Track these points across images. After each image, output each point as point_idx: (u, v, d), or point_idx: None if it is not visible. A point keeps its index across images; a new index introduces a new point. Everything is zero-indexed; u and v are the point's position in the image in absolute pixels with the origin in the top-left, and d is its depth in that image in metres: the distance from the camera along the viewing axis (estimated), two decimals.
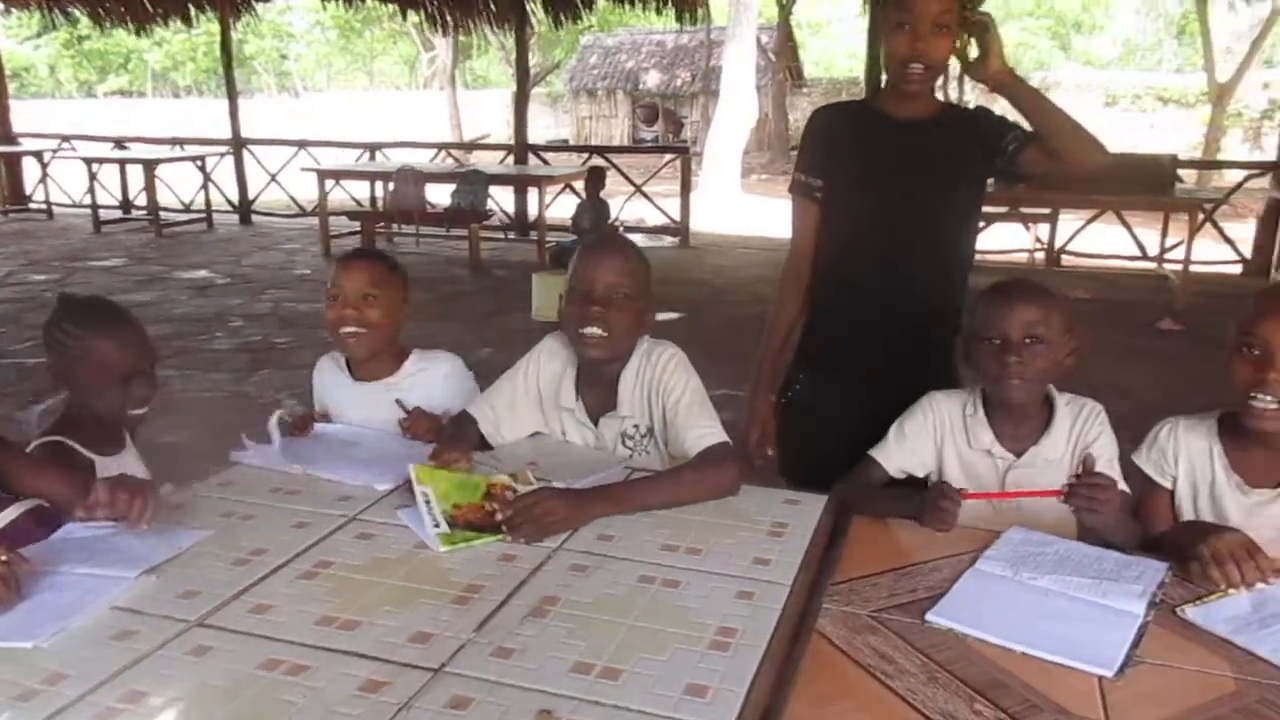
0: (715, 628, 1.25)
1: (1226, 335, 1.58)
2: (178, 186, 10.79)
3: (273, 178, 10.80)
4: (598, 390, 1.90)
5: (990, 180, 2.08)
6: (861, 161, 2.01)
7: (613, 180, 9.96)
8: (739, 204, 12.80)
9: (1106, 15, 26.79)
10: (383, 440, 1.95)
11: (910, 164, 1.96)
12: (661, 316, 6.58)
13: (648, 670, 1.15)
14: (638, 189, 10.01)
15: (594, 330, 1.77)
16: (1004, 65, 1.88)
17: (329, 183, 9.21)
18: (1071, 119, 1.89)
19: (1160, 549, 1.54)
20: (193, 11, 10.79)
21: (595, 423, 1.90)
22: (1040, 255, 8.69)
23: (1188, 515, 1.66)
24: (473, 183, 8.30)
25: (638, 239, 9.61)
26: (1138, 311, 6.80)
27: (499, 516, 1.52)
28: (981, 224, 8.06)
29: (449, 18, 10.27)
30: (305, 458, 1.82)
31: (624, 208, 9.73)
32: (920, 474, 1.81)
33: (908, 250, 1.99)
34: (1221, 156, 14.73)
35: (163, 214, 10.15)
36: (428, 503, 1.54)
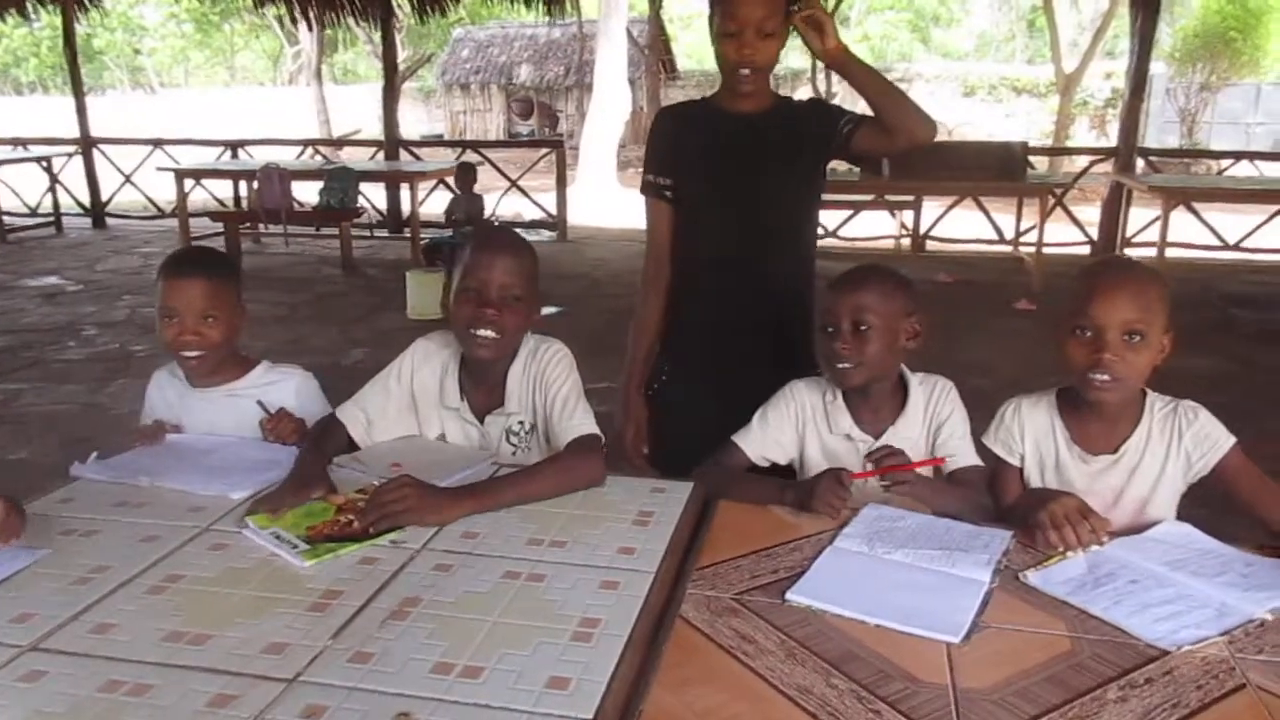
0: (579, 619, 1.25)
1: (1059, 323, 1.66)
2: (22, 189, 10.15)
3: (127, 178, 10.30)
4: (483, 388, 1.88)
5: (828, 164, 2.14)
6: (704, 158, 2.07)
7: (488, 175, 9.84)
8: (616, 197, 12.82)
9: (962, 9, 27.93)
10: (239, 447, 1.87)
11: (749, 157, 2.03)
12: (543, 311, 6.51)
13: (510, 666, 1.15)
14: (513, 184, 9.94)
15: (487, 333, 1.76)
16: (838, 43, 1.95)
17: (189, 182, 8.82)
18: (903, 94, 1.98)
19: (1008, 519, 1.62)
20: (30, 4, 10.13)
21: (481, 421, 1.88)
22: (906, 241, 9.01)
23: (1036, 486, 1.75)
24: (342, 180, 8.09)
25: None
26: (996, 292, 7.13)
27: (357, 525, 1.49)
28: (849, 212, 8.26)
29: (310, 11, 9.94)
30: (153, 469, 1.73)
31: (500, 202, 9.63)
32: (783, 461, 1.85)
33: (754, 241, 2.05)
34: (1070, 143, 15.56)
35: (6, 218, 9.55)
36: (277, 537, 1.47)
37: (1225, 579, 1.40)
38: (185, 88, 31.55)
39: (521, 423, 1.87)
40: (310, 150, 10.84)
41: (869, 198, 8.56)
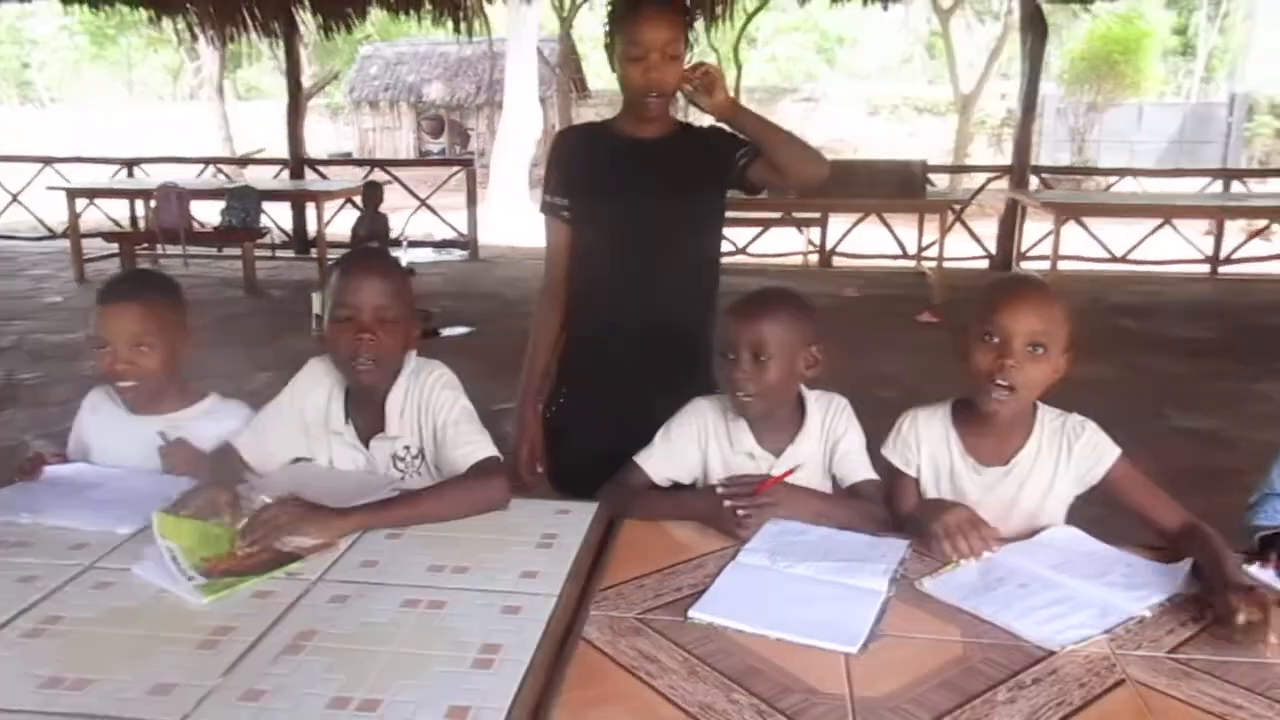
0: (479, 646, 1.24)
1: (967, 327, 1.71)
2: None
3: (14, 197, 9.87)
4: (368, 412, 1.85)
5: (727, 192, 2.17)
6: (603, 180, 2.08)
7: (398, 194, 9.73)
8: (527, 215, 12.74)
9: (866, 31, 28.66)
10: (129, 479, 1.80)
11: (649, 181, 2.05)
12: (452, 331, 6.49)
13: (408, 697, 1.13)
14: (422, 202, 9.84)
15: (367, 358, 1.73)
16: (726, 98, 1.99)
17: (81, 202, 8.50)
18: (794, 139, 2.02)
19: (905, 529, 1.66)
20: None
21: (366, 445, 1.85)
22: (814, 257, 9.20)
23: (931, 497, 1.79)
24: (244, 199, 7.89)
25: (426, 253, 9.46)
26: (901, 306, 7.32)
27: (253, 552, 1.45)
28: (758, 228, 8.39)
29: (210, 26, 9.70)
30: (34, 505, 1.66)
31: (409, 222, 9.51)
32: (685, 480, 1.86)
33: (652, 264, 2.07)
34: (969, 161, 16.09)
35: None
36: (174, 559, 1.41)
37: (1108, 579, 1.46)
38: (79, 103, 30.36)
39: (407, 447, 1.84)
40: (212, 169, 10.56)
41: (777, 214, 8.73)
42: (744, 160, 2.04)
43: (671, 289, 2.08)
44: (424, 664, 1.20)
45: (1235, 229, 9.58)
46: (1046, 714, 1.14)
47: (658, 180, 2.04)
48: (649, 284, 2.06)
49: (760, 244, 9.08)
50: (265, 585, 1.40)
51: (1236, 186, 9.70)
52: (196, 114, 21.93)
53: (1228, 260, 9.01)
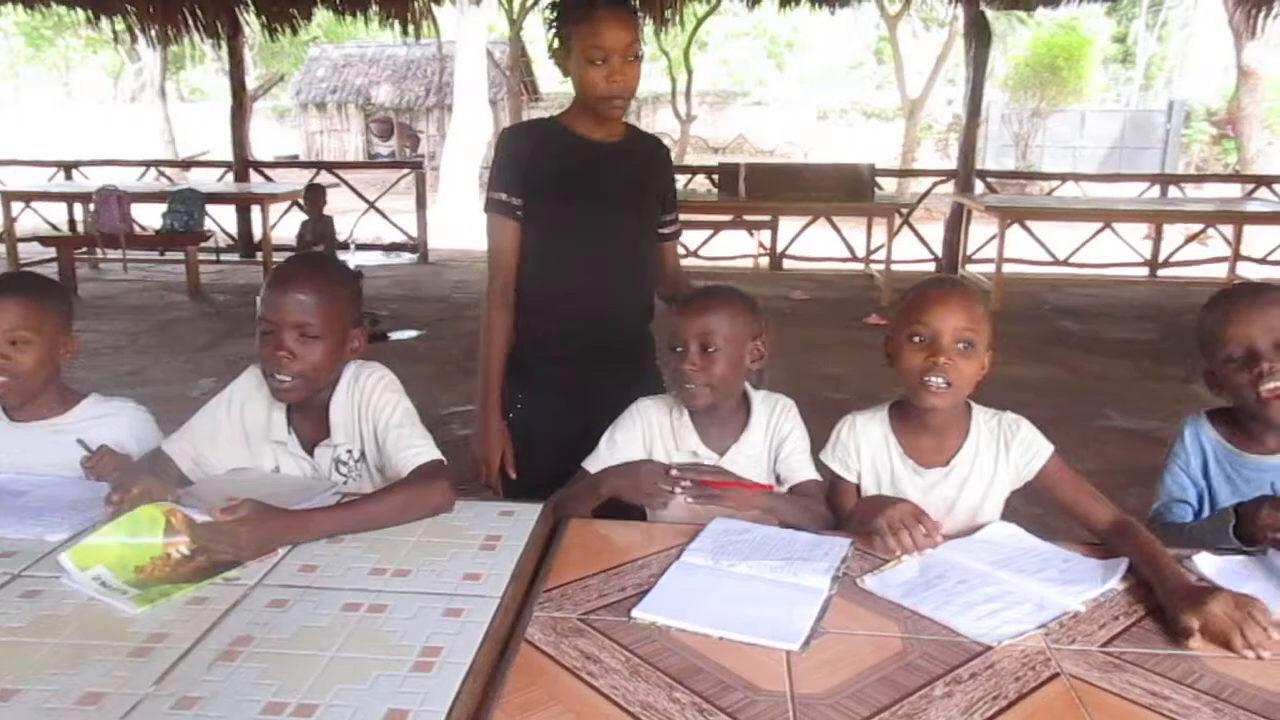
0: (420, 649, 1.23)
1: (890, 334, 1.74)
2: None
3: None
4: (309, 420, 1.81)
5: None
6: (560, 181, 2.07)
7: (346, 197, 9.62)
8: (478, 218, 12.58)
9: (815, 36, 28.97)
10: (55, 486, 1.75)
11: (607, 184, 2.06)
12: (401, 334, 6.42)
13: (346, 702, 1.11)
14: (370, 205, 9.74)
15: (284, 377, 1.69)
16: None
17: (18, 205, 8.28)
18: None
19: (847, 527, 1.68)
20: None
21: (310, 453, 1.82)
22: (765, 260, 9.26)
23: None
24: (186, 202, 7.74)
25: (375, 256, 9.36)
26: (849, 308, 7.40)
27: (184, 551, 1.41)
28: (710, 232, 8.43)
29: (151, 27, 9.50)
30: None
31: (357, 224, 9.41)
32: None
33: (606, 265, 2.08)
34: (917, 165, 16.31)
35: None
36: (103, 584, 1.37)
37: (1044, 575, 1.49)
38: (16, 105, 29.58)
39: (350, 451, 1.81)
40: (154, 172, 10.35)
41: (728, 218, 8.78)
42: (665, 229, 2.24)
43: (626, 288, 2.11)
44: (363, 668, 1.18)
45: (1174, 233, 9.84)
46: (982, 708, 1.15)
47: (616, 184, 2.06)
48: (603, 286, 2.07)
49: (711, 247, 9.13)
50: (201, 592, 1.37)
51: (1174, 191, 9.96)
52: (138, 117, 21.50)
53: (1166, 263, 9.24)
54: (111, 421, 1.89)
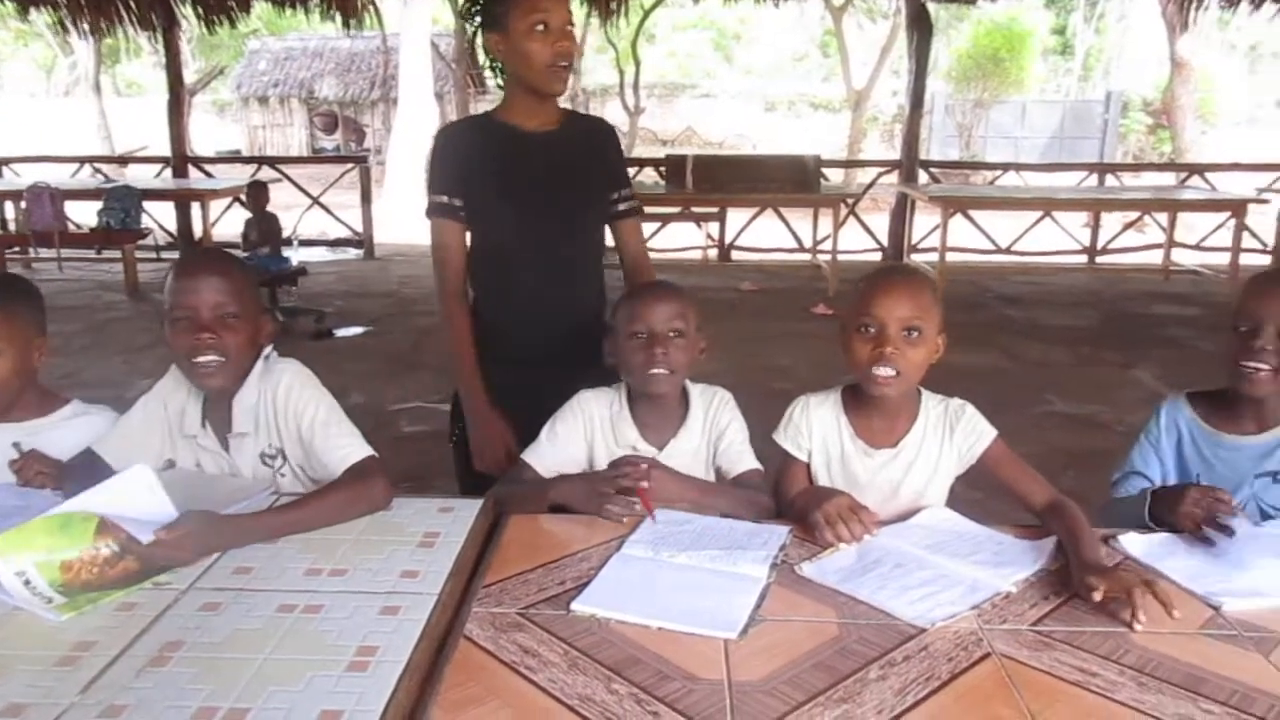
0: (355, 649, 1.22)
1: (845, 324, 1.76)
2: None
3: None
4: (222, 413, 1.77)
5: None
6: (499, 176, 2.05)
7: (290, 193, 9.47)
8: (424, 213, 12.57)
9: (761, 28, 29.10)
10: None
11: (547, 175, 2.05)
12: (347, 331, 6.35)
13: (279, 704, 1.10)
14: (314, 200, 9.60)
15: (210, 357, 1.66)
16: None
17: None
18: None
19: (788, 515, 1.70)
20: None
21: (226, 448, 1.78)
22: (714, 252, 9.29)
23: (822, 481, 1.82)
24: (123, 199, 7.56)
25: (319, 252, 9.23)
26: (796, 298, 7.46)
27: (113, 547, 1.37)
28: (658, 224, 8.41)
29: (83, 19, 9.25)
30: None
31: (302, 220, 9.27)
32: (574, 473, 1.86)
33: (553, 256, 2.07)
34: (863, 156, 16.46)
35: None
36: (27, 583, 1.33)
37: (978, 558, 1.52)
38: None
39: (271, 444, 1.77)
40: (88, 168, 10.10)
41: (676, 210, 8.79)
42: (620, 207, 2.18)
43: (577, 276, 2.11)
44: (297, 670, 1.17)
45: (1112, 220, 10.05)
46: (915, 689, 1.17)
47: (558, 174, 2.05)
48: (551, 277, 2.07)
49: (659, 239, 9.12)
50: (130, 597, 1.35)
51: (1111, 180, 10.18)
52: (72, 111, 20.95)
53: (1104, 250, 9.44)
54: (88, 429, 1.84)
